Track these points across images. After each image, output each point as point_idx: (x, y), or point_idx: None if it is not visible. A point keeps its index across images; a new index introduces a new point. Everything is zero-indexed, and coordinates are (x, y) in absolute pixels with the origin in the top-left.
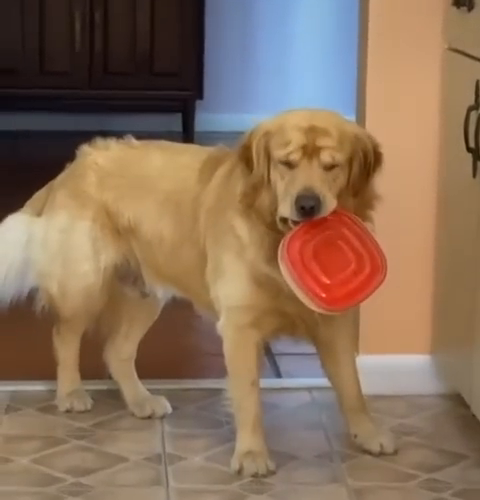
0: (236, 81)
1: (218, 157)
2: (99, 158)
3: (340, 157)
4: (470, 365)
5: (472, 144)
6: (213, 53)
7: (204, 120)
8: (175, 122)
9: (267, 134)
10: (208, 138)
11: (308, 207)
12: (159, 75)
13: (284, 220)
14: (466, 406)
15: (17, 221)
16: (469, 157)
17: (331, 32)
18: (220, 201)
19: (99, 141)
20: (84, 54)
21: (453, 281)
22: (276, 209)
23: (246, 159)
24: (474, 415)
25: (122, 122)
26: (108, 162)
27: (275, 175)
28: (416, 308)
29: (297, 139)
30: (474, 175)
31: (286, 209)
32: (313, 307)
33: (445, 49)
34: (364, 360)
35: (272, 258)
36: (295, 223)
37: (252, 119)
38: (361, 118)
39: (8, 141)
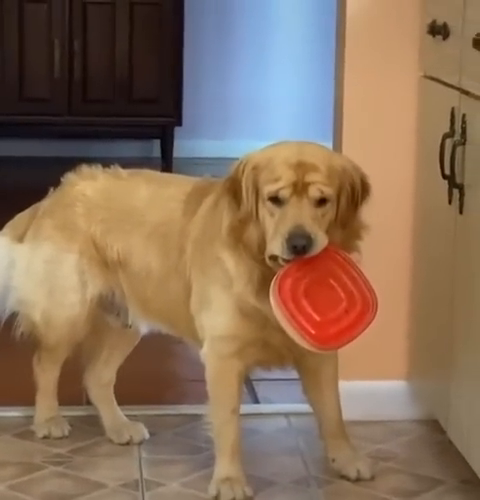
0: (214, 108)
1: (203, 188)
2: (87, 189)
3: (329, 192)
4: (447, 391)
5: (447, 171)
6: (192, 80)
7: (183, 146)
8: (154, 148)
9: (256, 168)
10: (187, 164)
11: (300, 246)
12: (138, 102)
13: (274, 257)
14: (442, 432)
15: None
16: (445, 184)
17: (308, 60)
18: (206, 232)
19: (85, 169)
20: (63, 81)
21: (430, 307)
22: (264, 244)
23: (233, 192)
24: (450, 441)
25: (101, 149)
26: (96, 193)
27: (263, 211)
28: (393, 334)
29: (287, 175)
30: (450, 202)
31: (277, 247)
32: (305, 345)
33: (421, 77)
34: (341, 386)
35: (260, 291)
36: (286, 261)
37: (230, 145)
38: (338, 145)
39: None
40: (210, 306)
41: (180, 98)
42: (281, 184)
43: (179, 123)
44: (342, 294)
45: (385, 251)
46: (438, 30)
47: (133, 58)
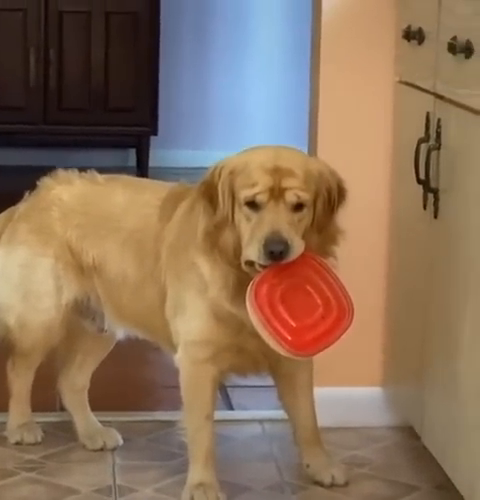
0: (190, 118)
1: (179, 193)
2: (63, 193)
3: (306, 197)
4: (421, 397)
5: (422, 176)
6: (168, 89)
7: (158, 156)
8: (129, 158)
9: (232, 173)
10: (162, 174)
11: (277, 252)
12: (113, 111)
13: (250, 263)
14: (417, 438)
15: None
16: (419, 189)
17: (285, 69)
18: (181, 237)
19: (61, 173)
20: (39, 89)
21: (404, 313)
22: (240, 249)
23: (209, 196)
24: (425, 447)
25: (77, 157)
26: (72, 198)
27: (240, 216)
28: (367, 340)
29: (264, 180)
30: (424, 207)
31: (254, 253)
32: (281, 351)
33: (396, 82)
34: (316, 392)
35: (236, 296)
36: (262, 266)
37: (206, 155)
38: (313, 150)
39: None
40: (184, 311)
41: (156, 107)
42: (258, 189)
43: (155, 132)
44: (318, 300)
45: (360, 256)
46: (413, 35)
47: (109, 67)
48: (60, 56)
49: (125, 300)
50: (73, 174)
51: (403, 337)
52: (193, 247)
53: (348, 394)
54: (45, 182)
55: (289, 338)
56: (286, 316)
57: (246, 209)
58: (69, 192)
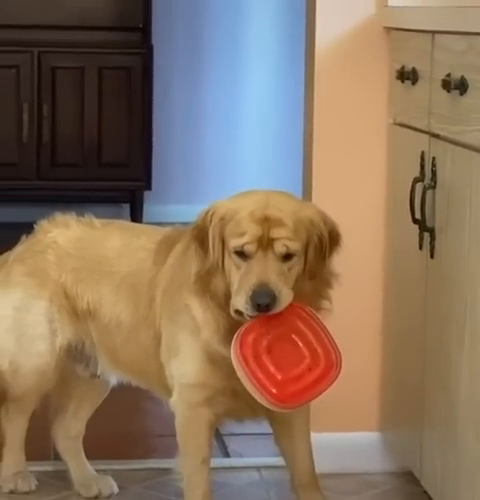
0: (184, 172)
1: (173, 237)
2: (59, 237)
3: (295, 247)
4: (420, 441)
5: (418, 215)
6: (161, 144)
7: (152, 211)
8: (123, 213)
9: (222, 220)
10: None
11: (264, 304)
12: (107, 166)
13: (239, 311)
14: (417, 483)
15: None
16: (415, 229)
17: (276, 121)
18: (175, 280)
19: (58, 216)
20: (32, 145)
21: (401, 357)
22: (230, 295)
23: (200, 240)
24: (425, 491)
25: (70, 212)
26: (68, 242)
27: (230, 263)
28: (364, 385)
29: (252, 230)
30: (420, 247)
31: (241, 303)
32: (264, 403)
33: (390, 124)
34: (313, 438)
35: (227, 340)
36: (250, 316)
37: (200, 210)
38: (307, 193)
39: None
40: (178, 353)
41: (149, 162)
42: (246, 239)
43: (148, 187)
44: (306, 351)
45: (356, 298)
46: (407, 75)
47: (102, 122)
48: (53, 112)
49: (119, 345)
50: (70, 218)
51: (400, 380)
52: (186, 289)
53: (345, 439)
54: (41, 225)
55: (274, 391)
56: (272, 368)
57: (235, 257)
58: (65, 236)
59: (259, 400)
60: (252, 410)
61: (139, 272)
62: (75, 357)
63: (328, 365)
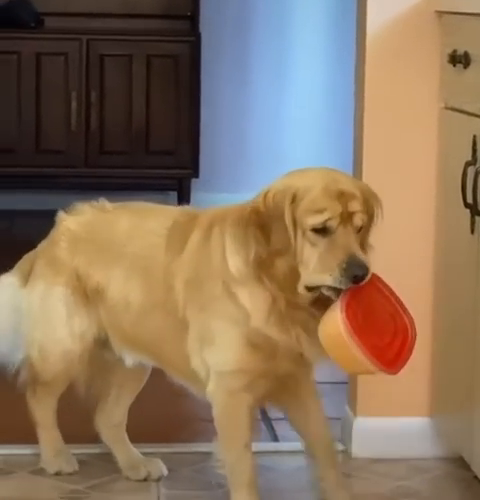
0: (232, 160)
1: (185, 223)
2: (71, 223)
3: (366, 219)
4: (471, 426)
5: (470, 200)
6: (209, 132)
7: (200, 199)
8: (171, 201)
9: (293, 199)
10: None
11: (360, 275)
12: (155, 153)
13: (309, 288)
14: (467, 468)
15: (6, 285)
16: (467, 213)
17: (324, 113)
18: (200, 270)
19: (77, 205)
20: (80, 133)
21: (452, 341)
22: (293, 275)
23: (261, 224)
24: (476, 476)
25: (118, 200)
26: (79, 227)
27: (302, 242)
28: (415, 370)
29: (334, 206)
30: (472, 231)
31: (333, 277)
32: (376, 371)
33: (441, 108)
34: (362, 423)
35: (280, 323)
36: (332, 290)
37: (247, 198)
38: (358, 177)
39: (5, 220)
40: (213, 341)
41: (197, 150)
42: (328, 215)
43: (196, 175)
44: (387, 318)
45: (405, 282)
46: (459, 59)
47: (150, 110)
48: (101, 99)
49: (127, 326)
50: (86, 205)
51: (451, 365)
52: (221, 278)
53: (395, 424)
54: (59, 216)
55: (387, 358)
56: (374, 338)
57: (312, 234)
58: (77, 221)
59: (369, 368)
60: (284, 390)
61: (150, 257)
62: (95, 339)
63: (404, 330)
